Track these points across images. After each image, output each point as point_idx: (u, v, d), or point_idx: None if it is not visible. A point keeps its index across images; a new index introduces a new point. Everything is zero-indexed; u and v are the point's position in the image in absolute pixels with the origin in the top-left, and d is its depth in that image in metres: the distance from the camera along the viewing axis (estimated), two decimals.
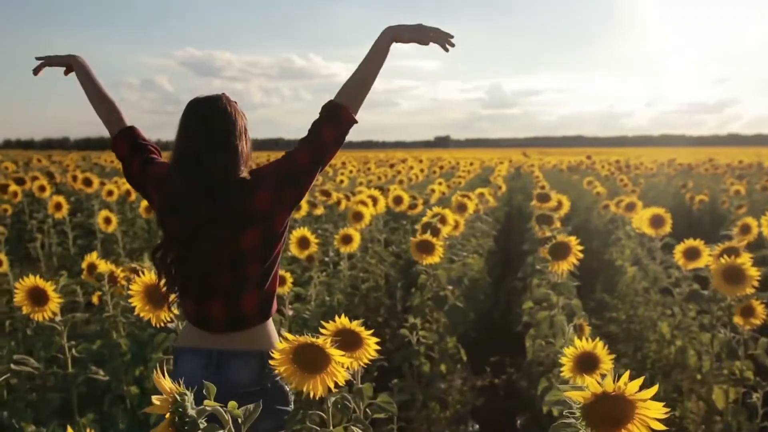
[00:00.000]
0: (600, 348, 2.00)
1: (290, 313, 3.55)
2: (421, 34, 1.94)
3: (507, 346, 4.91)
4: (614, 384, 1.26)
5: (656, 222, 4.54)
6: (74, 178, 8.48)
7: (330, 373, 1.67)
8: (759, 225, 4.18)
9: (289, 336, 1.63)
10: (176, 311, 2.12)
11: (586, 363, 2.02)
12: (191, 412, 1.16)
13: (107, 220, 5.84)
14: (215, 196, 1.77)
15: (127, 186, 5.59)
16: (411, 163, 18.86)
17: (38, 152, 32.01)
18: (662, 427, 1.22)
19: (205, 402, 1.19)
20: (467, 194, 6.27)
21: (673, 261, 3.81)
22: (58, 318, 2.87)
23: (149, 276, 2.10)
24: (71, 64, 2.14)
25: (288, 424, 1.82)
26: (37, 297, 2.69)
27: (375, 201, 5.75)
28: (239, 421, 1.25)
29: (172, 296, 1.86)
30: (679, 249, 3.75)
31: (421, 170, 15.04)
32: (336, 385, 2.12)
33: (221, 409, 1.20)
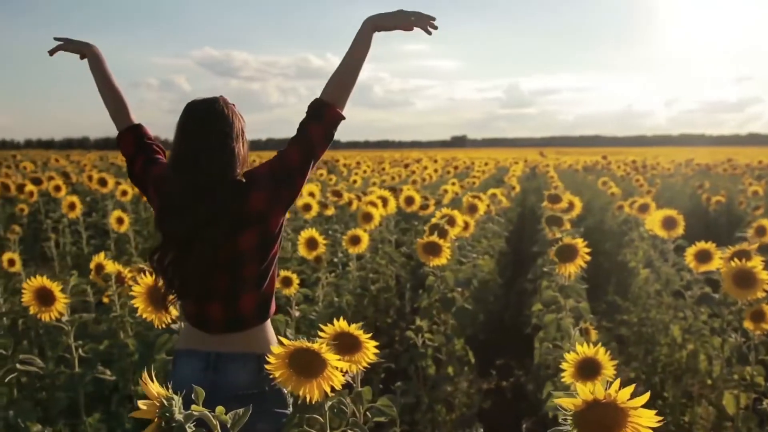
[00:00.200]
0: (602, 354, 1.98)
1: (297, 314, 3.55)
2: (402, 20, 1.93)
3: (516, 348, 4.87)
4: (606, 391, 1.24)
5: (668, 224, 4.48)
6: (90, 177, 8.57)
7: (326, 378, 1.67)
8: None
9: (285, 340, 1.63)
10: (176, 312, 2.12)
11: (588, 369, 2.00)
12: (178, 416, 1.16)
13: (120, 220, 5.89)
14: (212, 197, 1.78)
15: None
16: (425, 163, 18.82)
17: (58, 152, 32.39)
18: None
19: (193, 407, 1.18)
20: (478, 195, 6.24)
21: (685, 263, 3.77)
22: (65, 318, 2.90)
23: (152, 277, 2.11)
24: (85, 52, 2.15)
25: (286, 427, 1.82)
26: (44, 297, 2.71)
27: (385, 202, 5.74)
28: (228, 425, 1.25)
29: (170, 297, 1.86)
30: (690, 252, 3.70)
31: (435, 170, 14.99)
32: (335, 388, 2.13)
33: (209, 414, 1.20)
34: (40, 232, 7.41)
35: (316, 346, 1.60)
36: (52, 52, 2.16)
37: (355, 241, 4.48)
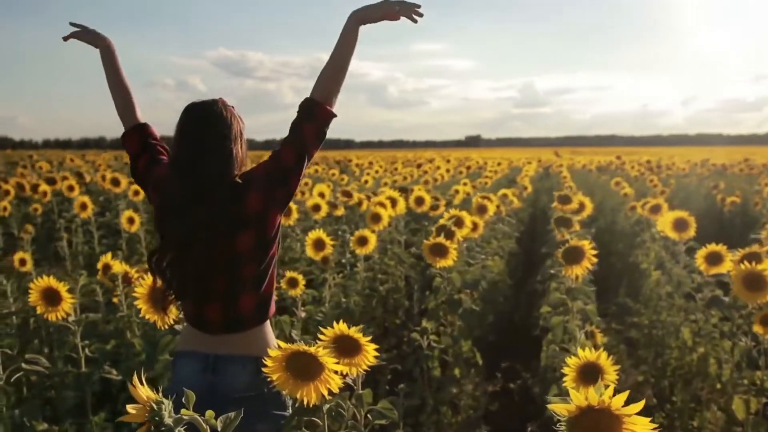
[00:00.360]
0: (604, 358, 1.95)
1: (303, 315, 3.56)
2: (387, 10, 1.93)
3: (525, 350, 4.84)
4: (599, 397, 1.22)
5: (680, 225, 4.43)
6: (103, 177, 8.64)
7: (324, 381, 1.66)
8: None
9: (282, 343, 1.63)
10: (175, 313, 2.13)
11: (590, 373, 1.98)
12: (168, 420, 1.16)
13: (131, 220, 5.93)
14: (210, 199, 1.79)
15: None
16: (438, 163, 18.77)
17: (74, 152, 32.70)
18: None
19: (183, 411, 1.18)
20: (488, 196, 6.21)
21: (696, 265, 3.73)
22: (72, 318, 2.93)
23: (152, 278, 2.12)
24: (98, 45, 2.14)
25: (284, 429, 1.82)
26: (51, 297, 2.74)
27: (394, 202, 5.73)
28: (218, 429, 1.24)
29: (168, 298, 1.87)
30: (701, 254, 3.65)
31: (447, 170, 14.95)
32: (336, 390, 2.12)
33: (199, 418, 1.20)
34: (53, 231, 7.48)
35: (312, 349, 1.60)
36: (66, 38, 2.15)
37: (363, 242, 4.47)
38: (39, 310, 2.72)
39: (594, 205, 9.48)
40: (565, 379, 1.97)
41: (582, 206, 5.66)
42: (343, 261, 5.11)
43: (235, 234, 1.83)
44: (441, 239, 3.65)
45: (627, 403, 1.19)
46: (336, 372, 1.82)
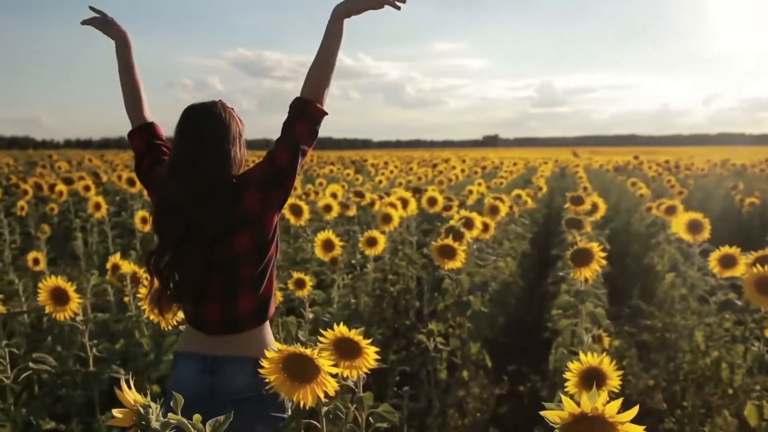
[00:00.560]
0: (607, 363, 1.93)
1: (310, 316, 3.55)
2: (370, 1, 1.92)
3: (536, 352, 4.80)
4: (593, 404, 1.20)
5: (693, 227, 4.37)
6: (119, 177, 8.72)
7: (320, 383, 1.66)
8: None
9: (279, 345, 1.62)
10: (179, 314, 2.13)
11: (592, 379, 1.95)
12: (155, 424, 1.15)
13: (144, 220, 5.98)
14: (206, 200, 1.79)
15: None
16: (454, 163, 18.71)
17: (94, 152, 33.07)
18: None
19: (170, 415, 1.18)
20: (500, 196, 6.18)
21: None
22: (80, 318, 2.95)
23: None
24: (113, 37, 2.12)
25: (283, 431, 1.82)
26: (59, 297, 2.76)
27: (405, 203, 5.71)
28: None
29: (165, 299, 1.87)
30: (714, 256, 3.60)
31: (462, 170, 14.89)
32: (338, 392, 2.11)
33: (186, 422, 1.19)
34: (70, 231, 7.57)
35: (308, 351, 1.60)
36: (84, 23, 2.13)
37: (372, 242, 4.46)
38: (47, 310, 2.74)
39: (609, 205, 9.38)
40: (567, 383, 1.95)
41: (595, 207, 5.60)
42: (353, 262, 5.10)
43: (232, 235, 1.83)
44: (449, 241, 3.63)
45: (627, 410, 1.17)
46: (335, 374, 1.83)
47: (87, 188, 7.75)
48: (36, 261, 4.61)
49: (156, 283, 1.86)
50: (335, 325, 1.75)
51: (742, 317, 3.37)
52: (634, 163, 19.30)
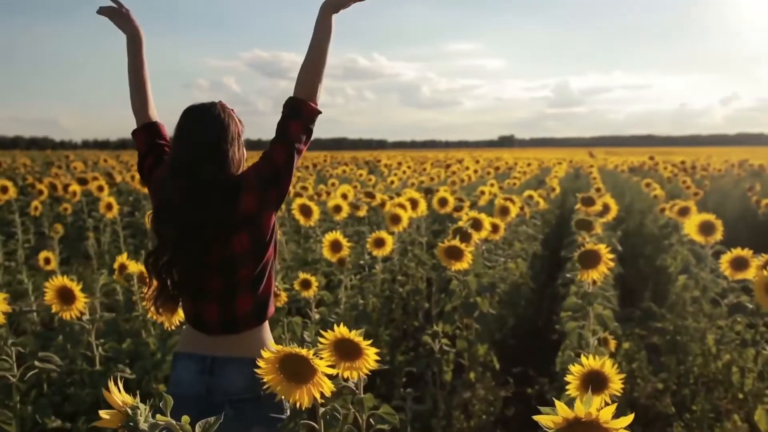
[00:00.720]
0: (609, 366, 1.90)
1: (317, 316, 3.55)
2: None
3: (545, 354, 4.76)
4: (586, 410, 1.18)
5: (706, 228, 4.32)
6: (133, 177, 8.79)
7: (316, 384, 1.65)
8: None
9: (275, 345, 1.62)
10: (171, 315, 2.14)
11: (594, 382, 1.93)
12: (143, 426, 1.15)
13: None
14: (204, 201, 1.79)
15: None
16: (467, 164, 18.64)
17: (110, 152, 33.37)
18: None
19: (158, 416, 1.17)
20: (510, 197, 6.14)
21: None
22: (86, 317, 2.97)
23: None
24: (126, 31, 2.10)
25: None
26: (65, 296, 2.78)
27: (415, 204, 5.69)
28: None
29: (162, 300, 1.88)
30: (725, 258, 3.56)
31: (475, 171, 14.82)
32: (335, 393, 2.10)
33: (174, 423, 1.19)
34: (83, 230, 7.63)
35: (304, 352, 1.59)
36: (99, 12, 2.10)
37: (380, 243, 4.45)
38: (54, 309, 2.76)
39: (622, 207, 9.27)
40: (568, 387, 1.92)
41: (606, 208, 5.55)
42: (362, 263, 5.09)
43: (230, 235, 1.83)
44: (456, 242, 3.61)
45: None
46: (335, 375, 1.82)
47: (100, 188, 7.82)
48: (47, 260, 4.66)
49: (155, 283, 1.86)
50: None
51: (753, 320, 3.32)
52: (649, 163, 19.11)
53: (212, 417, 1.27)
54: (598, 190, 9.50)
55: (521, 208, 6.53)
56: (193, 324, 1.93)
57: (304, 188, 9.10)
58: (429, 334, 3.35)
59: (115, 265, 3.42)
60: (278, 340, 3.28)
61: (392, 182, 11.47)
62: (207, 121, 1.83)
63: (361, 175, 14.11)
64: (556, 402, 1.21)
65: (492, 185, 9.73)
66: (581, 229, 4.34)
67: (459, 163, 19.16)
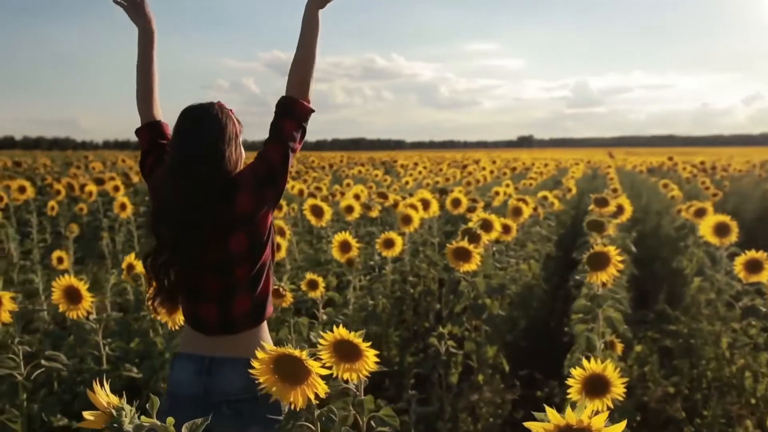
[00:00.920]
0: (611, 370, 1.87)
1: (324, 317, 3.55)
2: None
3: (556, 357, 4.72)
4: (578, 416, 1.15)
5: (720, 230, 4.25)
6: None
7: (310, 385, 1.64)
8: None
9: (269, 346, 1.61)
10: (174, 314, 2.14)
11: (596, 386, 1.90)
12: (128, 427, 1.14)
13: None
14: (200, 201, 1.79)
15: None
16: (483, 164, 18.54)
17: (130, 153, 33.70)
18: None
19: (143, 418, 1.17)
20: (524, 198, 6.09)
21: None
22: (92, 317, 2.99)
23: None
24: (138, 24, 2.07)
25: None
26: (72, 296, 2.81)
27: (427, 204, 5.67)
28: None
29: (159, 300, 1.88)
30: (739, 260, 3.50)
31: (491, 172, 14.74)
32: (339, 394, 2.09)
33: (159, 424, 1.18)
34: (99, 230, 7.71)
35: (297, 353, 1.58)
36: (115, 1, 2.07)
37: (389, 244, 4.43)
38: (61, 308, 2.78)
39: (639, 207, 9.13)
40: (569, 390, 1.89)
41: (620, 209, 5.47)
42: (371, 263, 5.08)
43: (227, 235, 1.83)
44: (464, 243, 3.59)
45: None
46: (335, 377, 1.81)
47: (116, 188, 7.89)
48: (60, 260, 4.70)
49: (153, 283, 1.86)
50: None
51: (767, 324, 3.25)
52: (668, 164, 18.87)
53: (201, 419, 1.26)
54: (614, 190, 9.39)
55: (535, 209, 6.48)
56: (192, 324, 1.94)
57: (318, 189, 9.10)
58: (435, 335, 3.33)
59: (123, 265, 3.44)
60: (284, 341, 3.28)
61: (407, 183, 11.43)
62: (205, 122, 1.83)
63: (376, 175, 14.10)
64: (548, 409, 1.18)
65: (507, 186, 9.67)
66: (592, 230, 4.28)
67: (475, 164, 19.06)
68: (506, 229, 4.90)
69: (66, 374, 3.46)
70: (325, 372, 1.62)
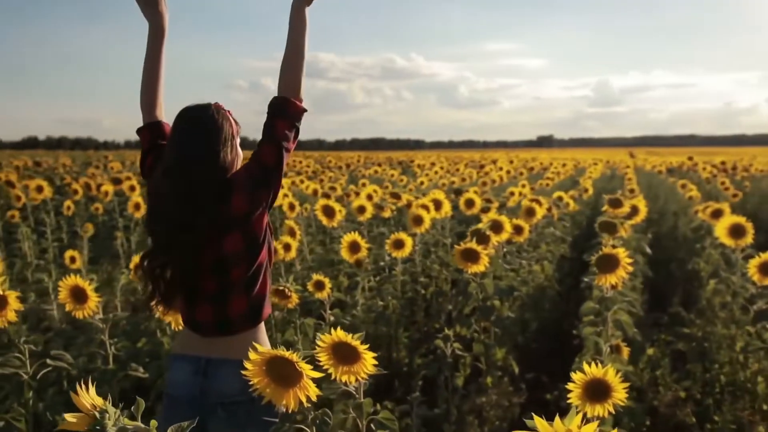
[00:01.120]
0: (612, 375, 1.83)
1: (331, 318, 3.53)
2: None
3: (567, 359, 4.66)
4: (567, 427, 1.12)
5: (736, 232, 4.18)
6: None
7: (302, 387, 1.63)
8: None
9: (261, 348, 1.60)
10: (168, 316, 2.14)
11: (596, 391, 1.86)
12: (111, 429, 1.14)
13: None
14: (194, 201, 1.78)
15: None
16: (501, 164, 18.42)
17: None
18: None
19: (125, 420, 1.16)
20: (537, 198, 6.03)
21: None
22: (99, 317, 3.01)
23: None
24: (149, 19, 2.05)
25: None
26: (78, 295, 2.82)
27: (438, 205, 5.63)
28: None
29: (155, 300, 1.88)
30: (753, 263, 3.43)
31: (508, 172, 14.63)
32: (341, 396, 2.07)
33: (143, 426, 1.17)
34: (114, 230, 7.78)
35: (289, 354, 1.57)
36: None
37: (399, 245, 4.41)
38: (67, 308, 2.80)
39: (656, 208, 8.99)
40: (569, 395, 1.86)
41: (635, 210, 5.40)
42: (382, 264, 5.06)
43: (221, 236, 1.83)
44: (473, 244, 3.56)
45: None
46: (334, 379, 1.79)
47: (132, 188, 7.95)
48: (72, 259, 4.74)
49: (149, 284, 1.86)
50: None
51: None
52: (688, 164, 18.61)
53: (186, 422, 1.26)
54: (631, 191, 9.27)
55: (548, 210, 6.41)
56: (189, 325, 1.94)
57: (333, 188, 9.09)
58: (440, 337, 3.30)
59: (131, 265, 3.46)
60: (290, 342, 3.27)
61: (422, 183, 11.38)
62: (201, 123, 1.83)
63: (392, 175, 14.07)
64: (536, 418, 1.15)
65: (523, 186, 9.58)
66: (604, 232, 4.22)
67: (493, 164, 18.95)
68: (518, 230, 4.85)
69: (75, 373, 3.49)
70: (317, 375, 1.60)
